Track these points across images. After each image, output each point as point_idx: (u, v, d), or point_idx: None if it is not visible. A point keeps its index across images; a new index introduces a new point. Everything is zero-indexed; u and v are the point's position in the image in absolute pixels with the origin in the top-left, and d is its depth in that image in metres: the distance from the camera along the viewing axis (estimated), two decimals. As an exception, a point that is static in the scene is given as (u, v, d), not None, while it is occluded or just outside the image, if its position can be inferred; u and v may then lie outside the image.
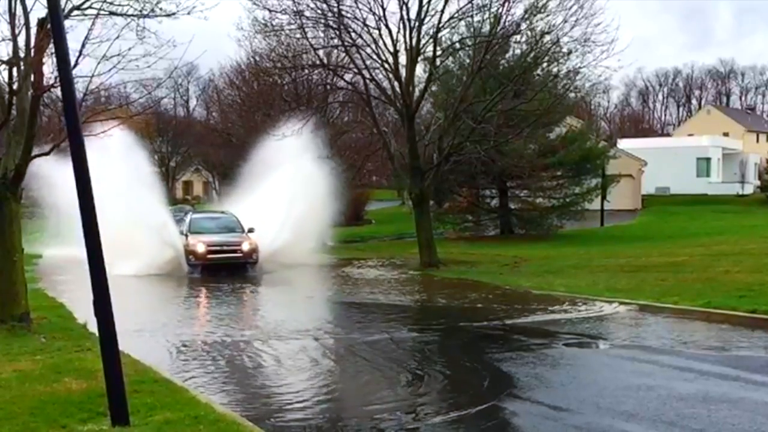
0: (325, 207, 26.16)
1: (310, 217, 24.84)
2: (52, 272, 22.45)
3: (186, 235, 23.39)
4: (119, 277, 18.19)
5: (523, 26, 24.11)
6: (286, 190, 24.51)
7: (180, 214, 29.48)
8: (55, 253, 25.80)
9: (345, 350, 11.19)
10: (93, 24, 11.32)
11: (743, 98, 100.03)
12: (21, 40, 11.08)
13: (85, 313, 11.05)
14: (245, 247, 22.90)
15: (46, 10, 9.08)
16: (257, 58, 35.62)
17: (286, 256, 23.85)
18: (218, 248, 22.74)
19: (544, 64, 26.24)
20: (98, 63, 11.20)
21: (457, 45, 26.35)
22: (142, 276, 21.44)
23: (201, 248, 22.56)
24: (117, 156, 22.04)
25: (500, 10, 23.31)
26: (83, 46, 11.17)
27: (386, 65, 24.27)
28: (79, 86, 11.18)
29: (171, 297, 19.07)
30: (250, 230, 23.60)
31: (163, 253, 22.63)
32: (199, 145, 59.17)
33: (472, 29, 24.92)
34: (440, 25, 23.46)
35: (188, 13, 11.82)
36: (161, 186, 30.19)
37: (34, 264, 23.92)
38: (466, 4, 23.40)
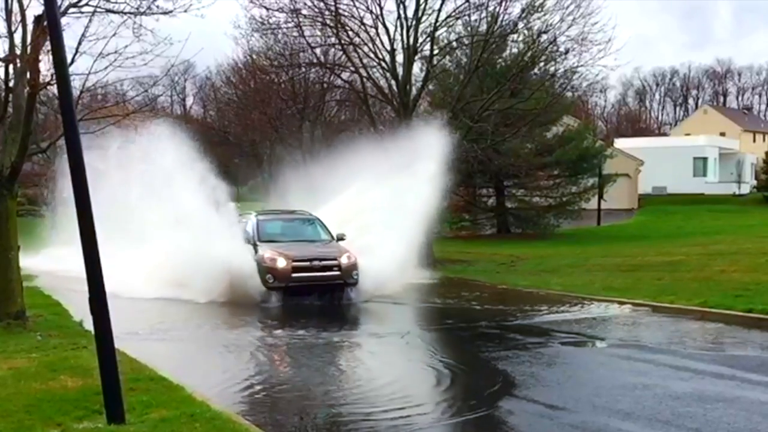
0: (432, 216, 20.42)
1: (418, 231, 19.24)
2: None
3: (255, 245, 16.66)
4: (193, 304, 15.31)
5: (521, 25, 24.25)
6: (401, 196, 18.65)
7: None
8: None
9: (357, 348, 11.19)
10: (90, 21, 11.37)
11: (740, 98, 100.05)
12: (17, 37, 11.08)
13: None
14: (344, 261, 16.20)
15: (42, 7, 9.09)
16: (254, 56, 35.50)
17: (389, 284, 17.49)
18: (307, 264, 16.05)
19: (541, 63, 26.35)
20: (95, 60, 11.28)
21: (454, 44, 26.41)
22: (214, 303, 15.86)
23: (283, 263, 15.86)
24: (171, 156, 18.63)
25: (497, 9, 23.44)
26: (80, 43, 11.23)
27: (383, 64, 24.30)
28: (76, 84, 11.23)
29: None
30: (340, 237, 17.33)
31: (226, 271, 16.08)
32: (195, 142, 59.12)
33: (469, 28, 24.99)
34: (437, 23, 23.55)
35: (185, 11, 11.85)
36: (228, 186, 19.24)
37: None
38: (463, 3, 23.57)
